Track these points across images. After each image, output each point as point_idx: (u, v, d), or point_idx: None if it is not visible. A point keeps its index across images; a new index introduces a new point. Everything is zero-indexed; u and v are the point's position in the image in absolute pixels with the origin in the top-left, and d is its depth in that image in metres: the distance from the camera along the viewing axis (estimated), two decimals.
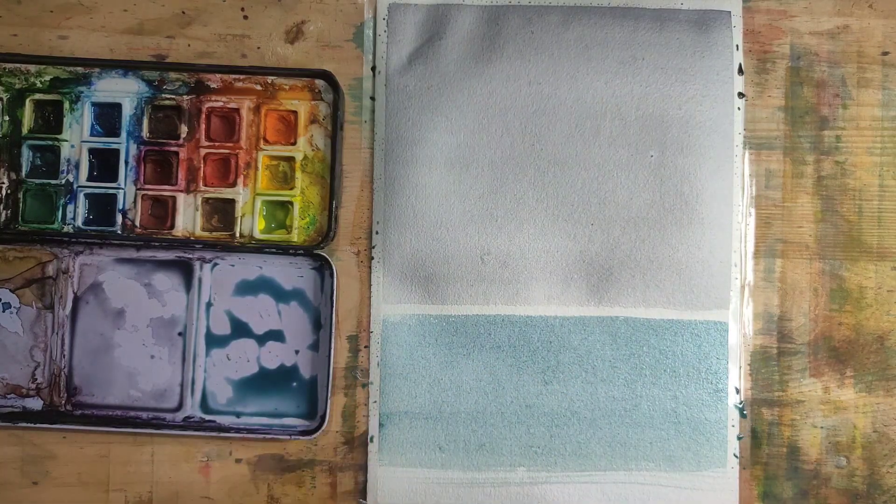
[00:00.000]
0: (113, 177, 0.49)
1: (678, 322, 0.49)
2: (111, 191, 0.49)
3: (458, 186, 0.49)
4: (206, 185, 0.49)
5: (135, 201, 0.49)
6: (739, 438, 0.49)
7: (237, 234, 0.49)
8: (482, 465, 0.49)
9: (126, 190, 0.49)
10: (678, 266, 0.48)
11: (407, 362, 0.49)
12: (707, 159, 0.49)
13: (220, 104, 0.49)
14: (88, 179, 0.49)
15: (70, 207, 0.49)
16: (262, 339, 0.49)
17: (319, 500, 0.49)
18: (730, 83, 0.50)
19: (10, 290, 0.49)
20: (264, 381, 0.49)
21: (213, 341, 0.49)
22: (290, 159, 0.49)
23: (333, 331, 0.48)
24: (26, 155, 0.49)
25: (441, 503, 0.49)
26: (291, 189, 0.49)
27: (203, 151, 0.49)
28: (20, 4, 0.50)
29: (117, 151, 0.49)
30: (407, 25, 0.50)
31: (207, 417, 0.49)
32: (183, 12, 0.50)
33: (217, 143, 0.49)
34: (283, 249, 0.49)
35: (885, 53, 0.50)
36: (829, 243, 0.50)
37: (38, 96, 0.49)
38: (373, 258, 0.49)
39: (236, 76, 0.49)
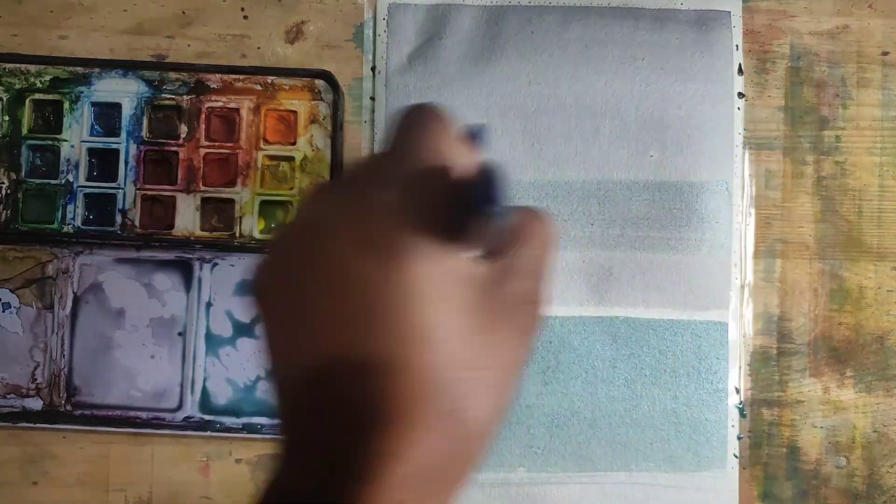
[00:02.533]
0: (113, 177, 0.49)
1: (678, 322, 0.49)
2: (111, 191, 0.49)
3: None
4: (205, 185, 0.49)
5: (135, 201, 0.49)
6: (739, 438, 0.49)
7: (237, 234, 0.49)
8: (482, 466, 0.49)
9: (126, 190, 0.49)
10: (678, 266, 0.48)
11: None
12: (707, 159, 0.49)
13: (220, 104, 0.49)
14: (88, 179, 0.49)
15: (70, 207, 0.49)
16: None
17: None
18: (730, 83, 0.50)
19: (10, 290, 0.49)
20: (264, 381, 0.49)
21: (213, 341, 0.49)
22: (290, 159, 0.49)
23: None
24: (26, 155, 0.49)
25: None
26: (291, 189, 0.49)
27: (203, 151, 0.49)
28: (20, 4, 0.50)
29: (117, 151, 0.49)
30: (407, 25, 0.50)
31: (207, 417, 0.49)
32: (183, 12, 0.50)
33: (217, 143, 0.49)
34: None
35: (885, 53, 0.50)
36: (829, 243, 0.50)
37: (38, 96, 0.49)
38: None
39: (236, 76, 0.49)
